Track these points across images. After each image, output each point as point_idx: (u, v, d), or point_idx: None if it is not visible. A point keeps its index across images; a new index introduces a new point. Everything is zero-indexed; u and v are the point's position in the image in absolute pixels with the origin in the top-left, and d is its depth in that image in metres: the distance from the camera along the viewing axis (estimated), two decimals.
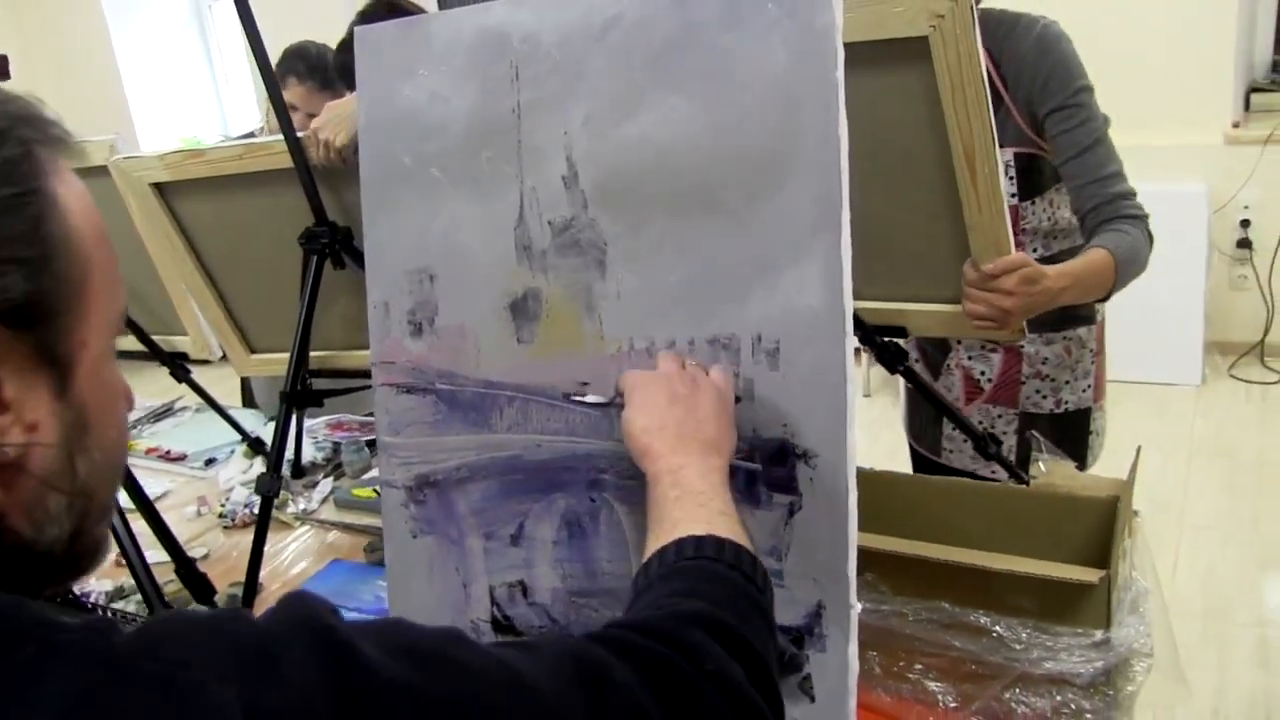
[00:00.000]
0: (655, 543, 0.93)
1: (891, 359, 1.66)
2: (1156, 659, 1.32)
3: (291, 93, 2.78)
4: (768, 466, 1.09)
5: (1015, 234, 1.91)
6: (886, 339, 1.66)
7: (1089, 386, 2.06)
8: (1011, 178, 1.86)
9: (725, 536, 0.90)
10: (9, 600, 0.61)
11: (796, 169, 1.04)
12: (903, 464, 4.09)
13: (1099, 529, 1.36)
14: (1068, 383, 2.04)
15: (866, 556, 1.32)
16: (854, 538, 1.06)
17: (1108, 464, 3.57)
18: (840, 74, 1.01)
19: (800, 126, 1.03)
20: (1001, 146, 1.82)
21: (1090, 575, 1.22)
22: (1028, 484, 1.54)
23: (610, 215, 1.13)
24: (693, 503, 0.95)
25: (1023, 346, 2.02)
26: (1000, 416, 2.09)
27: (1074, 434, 2.07)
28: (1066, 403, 2.05)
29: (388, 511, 1.31)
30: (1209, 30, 4.59)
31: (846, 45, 1.03)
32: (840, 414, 1.04)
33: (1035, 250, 1.93)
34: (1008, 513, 1.41)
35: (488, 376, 1.22)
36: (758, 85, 1.04)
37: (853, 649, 1.07)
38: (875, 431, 4.55)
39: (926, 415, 2.21)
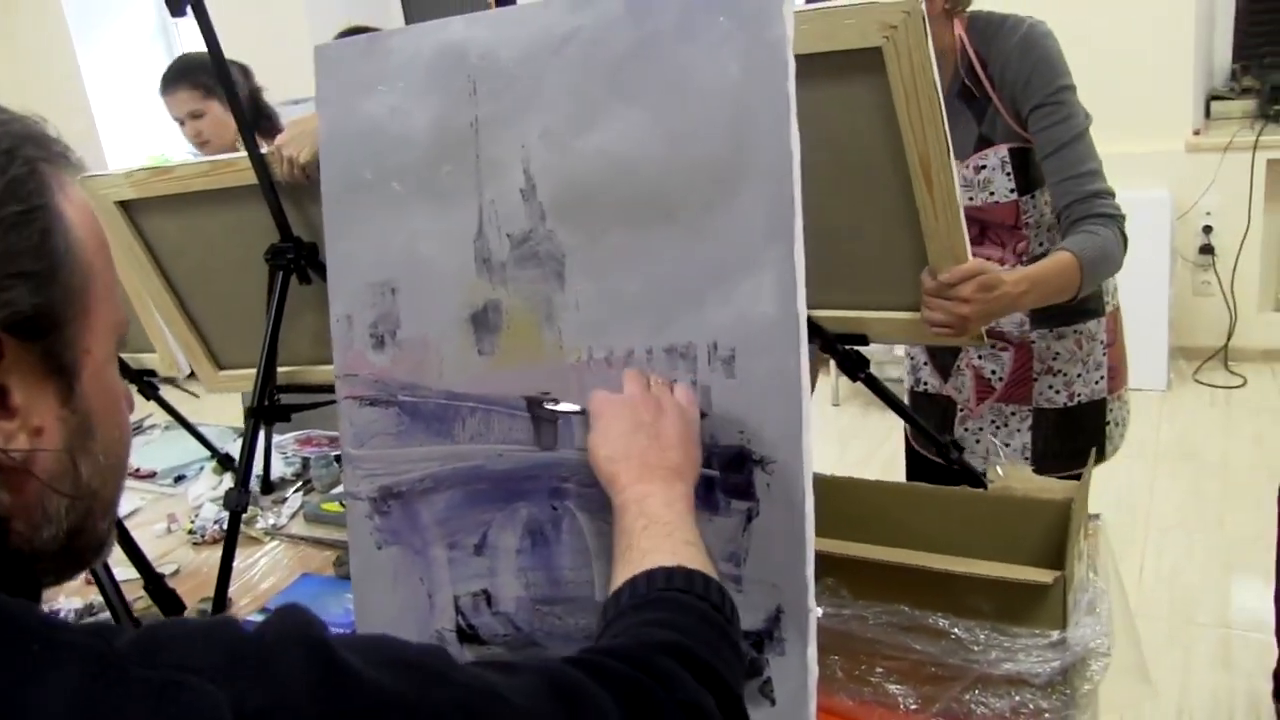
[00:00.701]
0: (625, 571, 0.93)
1: (853, 366, 1.68)
2: (1121, 660, 1.33)
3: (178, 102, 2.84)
4: (725, 473, 1.10)
5: (1017, 228, 1.94)
6: (848, 346, 1.68)
7: (1101, 378, 2.07)
8: (1009, 174, 1.89)
9: (694, 568, 0.92)
10: (16, 602, 0.63)
11: (750, 179, 1.05)
12: (878, 471, 4.15)
13: (1055, 531, 1.38)
14: (1079, 375, 2.05)
15: (827, 561, 1.33)
16: (811, 542, 1.07)
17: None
18: (791, 85, 1.03)
19: (753, 137, 1.05)
20: (994, 144, 1.86)
21: (1045, 576, 1.23)
22: (985, 488, 1.56)
23: (568, 227, 1.15)
24: (660, 533, 0.96)
25: (1033, 342, 2.04)
26: (1014, 414, 2.10)
27: (1089, 426, 2.09)
28: (1079, 395, 2.06)
29: (353, 523, 1.32)
30: (1169, 39, 4.65)
31: (802, 57, 1.04)
32: (796, 420, 1.06)
33: (1042, 244, 1.95)
34: (965, 516, 1.43)
35: (450, 388, 1.23)
36: (711, 97, 1.06)
37: (812, 652, 1.09)
38: (845, 440, 4.58)
39: (934, 421, 2.21)
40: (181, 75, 2.89)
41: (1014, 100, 1.83)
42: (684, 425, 1.06)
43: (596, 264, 1.14)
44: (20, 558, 0.68)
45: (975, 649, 1.26)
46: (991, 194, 1.92)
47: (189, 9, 1.63)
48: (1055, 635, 1.24)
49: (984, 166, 1.90)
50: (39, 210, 0.66)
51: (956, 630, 1.28)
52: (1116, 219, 1.79)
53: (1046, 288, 1.71)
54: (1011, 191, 1.90)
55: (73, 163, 0.72)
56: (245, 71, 2.94)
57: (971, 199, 1.93)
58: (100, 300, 0.71)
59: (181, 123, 2.94)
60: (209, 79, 2.82)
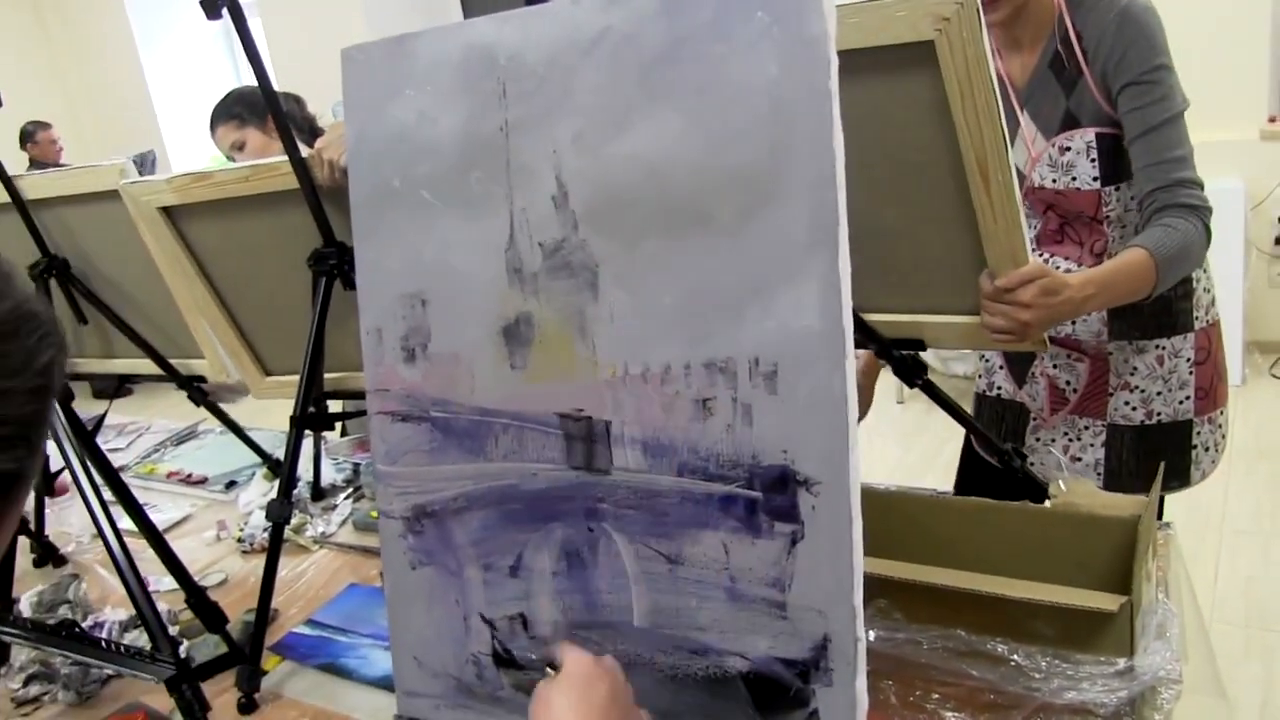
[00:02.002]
0: None
1: (909, 372, 1.61)
2: (1194, 676, 1.26)
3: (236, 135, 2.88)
4: (768, 494, 1.05)
5: (1097, 221, 1.84)
6: (904, 352, 1.62)
7: (1187, 398, 1.95)
8: (1094, 160, 1.79)
9: None
10: None
11: (790, 184, 0.99)
12: (942, 472, 4.06)
13: (1122, 550, 1.31)
14: (1160, 394, 1.94)
15: (879, 582, 1.27)
16: (859, 567, 1.01)
17: None
18: (834, 84, 0.97)
19: (793, 139, 0.99)
20: (1081, 126, 1.76)
21: (1110, 603, 1.16)
22: (1046, 499, 1.49)
23: (601, 235, 1.10)
24: None
25: (1110, 354, 1.94)
26: (1087, 428, 2.01)
27: (1170, 447, 1.97)
28: (1159, 414, 1.95)
29: (386, 542, 1.28)
30: (1243, 21, 4.50)
31: (850, 52, 0.99)
32: (842, 439, 1.00)
33: (1120, 239, 1.85)
34: (1026, 533, 1.36)
35: (482, 403, 1.19)
36: (749, 98, 1.00)
37: (860, 683, 1.03)
38: (908, 440, 4.49)
39: (1004, 428, 2.13)
40: (217, 115, 2.95)
41: (1105, 76, 1.72)
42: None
43: (631, 274, 1.09)
44: None
45: (1036, 676, 1.20)
46: (1074, 179, 1.82)
47: (224, 11, 1.60)
48: (1122, 663, 1.18)
49: (1069, 149, 1.80)
50: (49, 388, 0.69)
51: (1016, 656, 1.21)
52: (1200, 211, 1.69)
53: (1115, 290, 1.63)
54: (1094, 180, 1.80)
55: (67, 354, 0.74)
56: (299, 101, 2.97)
57: (1054, 181, 1.84)
58: (30, 481, 0.73)
59: (233, 159, 2.99)
60: (241, 108, 2.87)
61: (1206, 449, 2.01)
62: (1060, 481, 1.44)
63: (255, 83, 2.96)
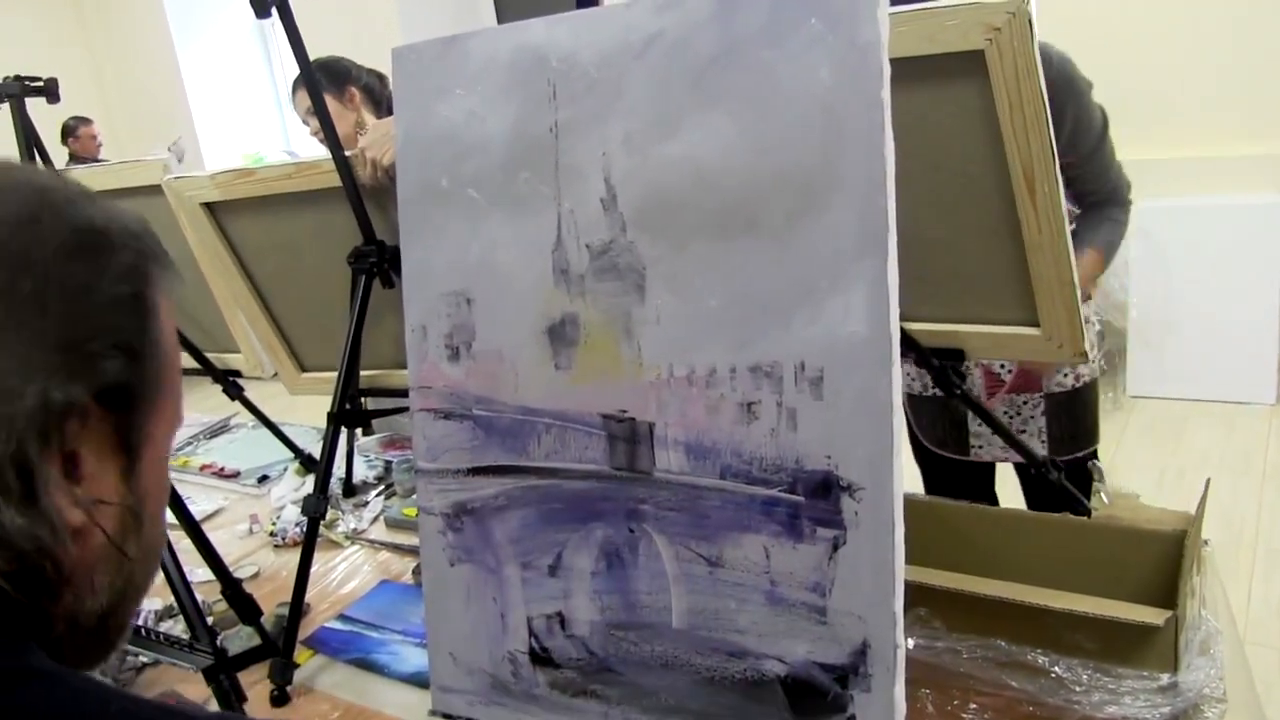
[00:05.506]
0: None
1: (948, 382, 1.61)
2: (1232, 695, 1.25)
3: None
4: (810, 499, 1.05)
5: None
6: (943, 361, 1.61)
7: (1098, 356, 2.15)
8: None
9: None
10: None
11: (840, 190, 1.00)
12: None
13: (1165, 563, 1.30)
14: None
15: (919, 591, 1.27)
16: (900, 573, 1.01)
17: (1176, 487, 3.46)
18: (886, 92, 0.97)
19: (844, 146, 0.99)
20: None
21: (1156, 617, 1.15)
22: (1089, 514, 1.48)
23: (649, 237, 1.10)
24: None
25: None
26: (1026, 402, 2.12)
27: (1093, 403, 2.16)
28: (1082, 375, 2.10)
29: (425, 539, 1.29)
30: (1276, 40, 4.46)
31: (900, 60, 0.99)
32: (886, 446, 1.00)
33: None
34: (1067, 545, 1.35)
35: (525, 403, 1.19)
36: (800, 103, 1.01)
37: (899, 690, 1.03)
38: None
39: (948, 419, 2.23)
40: (297, 81, 2.95)
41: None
42: None
43: (678, 277, 1.09)
44: (54, 641, 0.69)
45: (1077, 689, 1.19)
46: None
47: (274, 10, 1.61)
48: (1165, 678, 1.16)
49: None
50: (144, 296, 0.71)
51: (1057, 668, 1.20)
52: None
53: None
54: None
55: (168, 266, 0.76)
56: (382, 79, 3.00)
57: None
58: (170, 395, 0.75)
59: (306, 122, 3.02)
60: (324, 77, 2.87)
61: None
62: (1102, 494, 1.43)
63: (300, 77, 2.99)
